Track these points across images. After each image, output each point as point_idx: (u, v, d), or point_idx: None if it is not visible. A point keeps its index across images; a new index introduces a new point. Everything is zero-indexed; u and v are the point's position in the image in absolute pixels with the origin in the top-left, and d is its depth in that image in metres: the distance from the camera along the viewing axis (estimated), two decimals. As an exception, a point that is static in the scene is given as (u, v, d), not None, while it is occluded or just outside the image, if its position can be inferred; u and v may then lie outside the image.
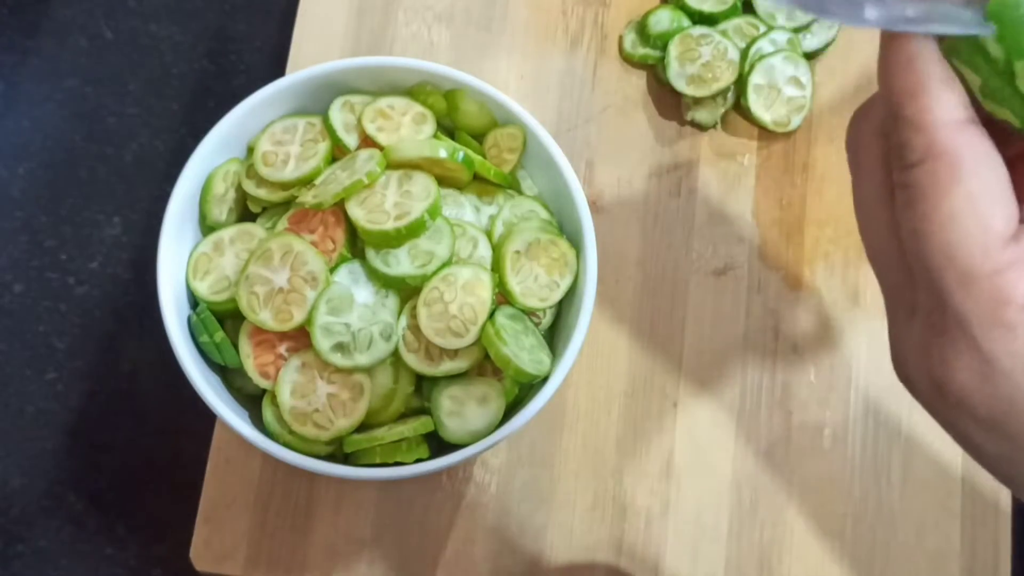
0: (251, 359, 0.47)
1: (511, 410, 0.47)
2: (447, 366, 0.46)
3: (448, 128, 0.52)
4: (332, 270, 0.46)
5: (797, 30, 0.60)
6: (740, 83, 0.59)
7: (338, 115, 0.50)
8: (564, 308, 0.50)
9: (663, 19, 0.60)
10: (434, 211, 0.46)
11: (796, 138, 0.60)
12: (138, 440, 0.58)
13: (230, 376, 0.49)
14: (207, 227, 0.50)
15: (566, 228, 0.50)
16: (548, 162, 0.50)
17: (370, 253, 0.47)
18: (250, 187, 0.49)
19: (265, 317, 0.45)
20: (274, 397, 0.46)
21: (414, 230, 0.46)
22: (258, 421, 0.47)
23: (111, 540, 0.56)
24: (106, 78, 0.64)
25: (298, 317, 0.45)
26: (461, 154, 0.48)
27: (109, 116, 0.63)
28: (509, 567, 0.52)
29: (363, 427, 0.46)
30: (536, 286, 0.48)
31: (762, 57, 0.58)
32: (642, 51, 0.60)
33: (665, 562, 0.53)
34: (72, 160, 0.62)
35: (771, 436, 0.55)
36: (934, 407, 0.31)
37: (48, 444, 0.58)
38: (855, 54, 0.62)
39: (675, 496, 0.54)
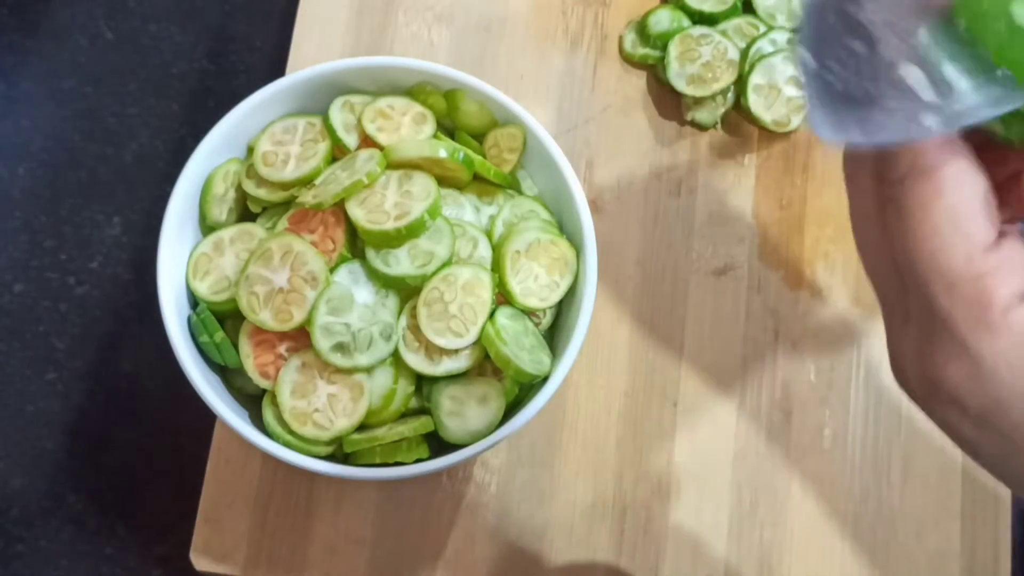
0: (251, 359, 0.47)
1: (511, 410, 0.47)
2: (447, 366, 0.46)
3: (448, 128, 0.52)
4: (332, 270, 0.46)
5: (797, 30, 0.60)
6: (740, 83, 0.59)
7: (338, 115, 0.50)
8: (564, 308, 0.50)
9: (663, 19, 0.60)
10: (434, 211, 0.46)
11: (796, 138, 0.60)
12: (138, 440, 0.58)
13: (230, 376, 0.49)
14: (207, 227, 0.50)
15: (566, 228, 0.50)
16: (548, 162, 0.50)
17: (370, 253, 0.47)
18: (250, 187, 0.49)
19: (265, 317, 0.45)
20: (274, 397, 0.46)
21: (414, 230, 0.46)
22: (258, 421, 0.47)
23: (111, 540, 0.56)
24: (106, 78, 0.64)
25: (298, 317, 0.45)
26: (461, 154, 0.48)
27: (109, 116, 0.63)
28: (509, 567, 0.52)
29: (363, 427, 0.46)
30: (536, 286, 0.48)
31: (762, 57, 0.58)
32: (642, 51, 0.60)
33: (665, 562, 0.53)
34: (72, 160, 0.62)
35: (771, 436, 0.55)
36: (931, 408, 0.32)
37: (48, 444, 0.58)
38: (855, 54, 0.62)
39: (675, 496, 0.54)
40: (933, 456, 0.55)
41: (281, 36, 0.62)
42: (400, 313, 0.47)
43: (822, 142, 0.37)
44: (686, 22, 0.60)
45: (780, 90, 0.58)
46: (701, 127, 0.60)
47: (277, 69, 0.60)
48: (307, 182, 0.48)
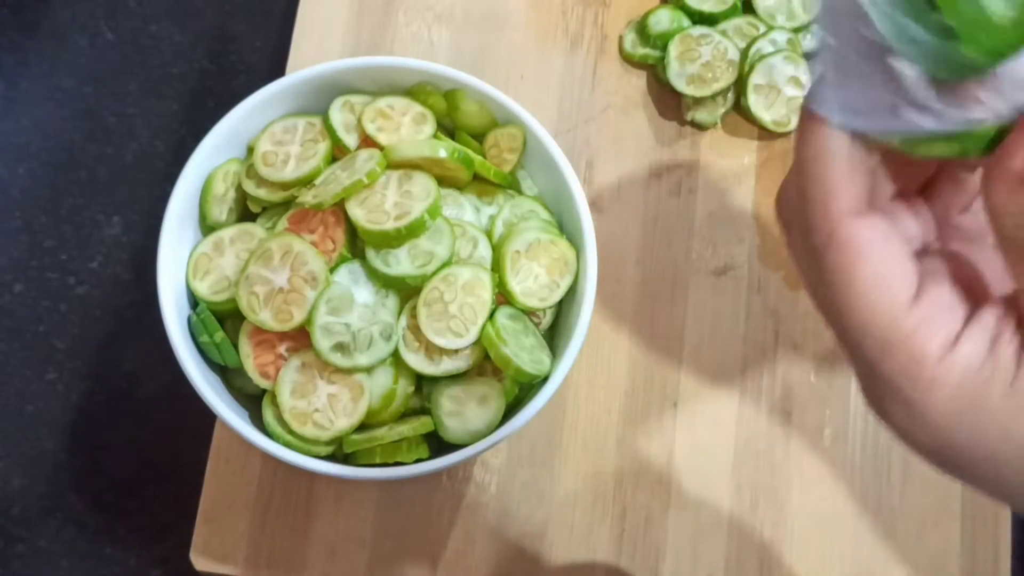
0: (251, 359, 0.47)
1: (511, 410, 0.47)
2: (447, 366, 0.46)
3: (448, 128, 0.52)
4: (332, 270, 0.46)
5: (797, 30, 0.60)
6: (740, 83, 0.59)
7: (338, 115, 0.50)
8: (564, 308, 0.50)
9: (663, 19, 0.60)
10: (434, 211, 0.46)
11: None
12: (138, 440, 0.58)
13: (230, 376, 0.49)
14: (207, 227, 0.50)
15: (566, 228, 0.50)
16: (548, 162, 0.50)
17: (370, 253, 0.47)
18: (250, 187, 0.49)
19: (265, 317, 0.45)
20: (274, 397, 0.46)
21: (414, 230, 0.46)
22: (258, 421, 0.47)
23: (111, 540, 0.56)
24: (106, 78, 0.64)
25: (298, 317, 0.45)
26: (461, 154, 0.48)
27: (109, 116, 0.63)
28: (509, 567, 0.52)
29: (363, 427, 0.46)
30: (536, 286, 0.48)
31: (762, 57, 0.58)
32: (642, 51, 0.60)
33: (665, 562, 0.53)
34: (72, 160, 0.62)
35: (771, 436, 0.55)
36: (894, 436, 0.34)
37: (48, 444, 0.58)
38: (855, 54, 0.62)
39: (675, 496, 0.54)
40: (933, 456, 0.55)
41: (281, 36, 0.62)
42: (400, 313, 0.47)
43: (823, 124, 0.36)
44: (686, 22, 0.60)
45: (780, 90, 0.58)
46: (701, 127, 0.60)
47: (277, 69, 0.60)
48: (307, 182, 0.48)
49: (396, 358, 0.46)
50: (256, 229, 0.48)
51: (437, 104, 0.51)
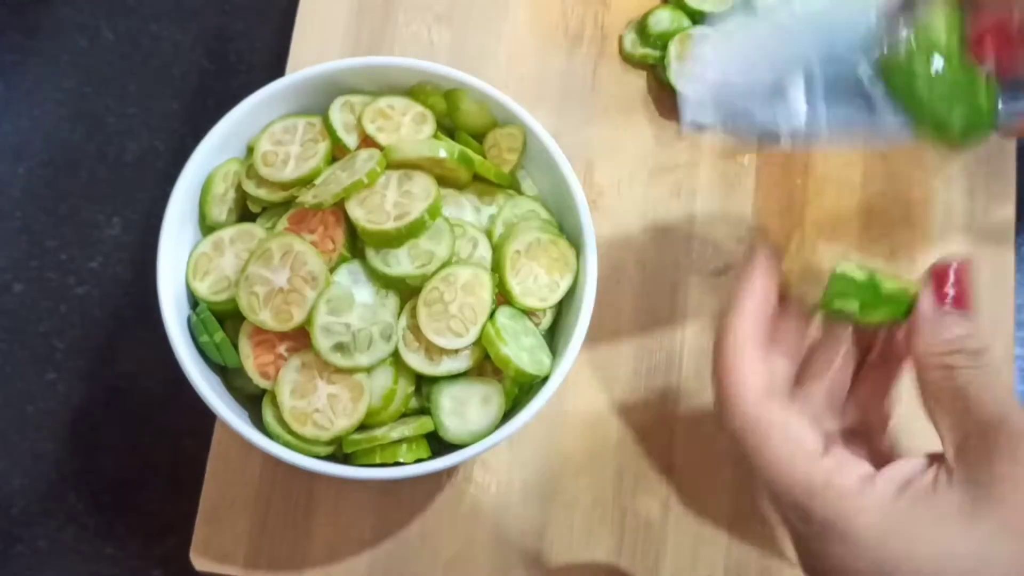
0: (251, 359, 0.47)
1: (511, 410, 0.47)
2: (447, 366, 0.46)
3: (448, 128, 0.52)
4: (332, 270, 0.46)
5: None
6: (740, 83, 0.59)
7: (338, 115, 0.50)
8: (564, 308, 0.50)
9: (663, 19, 0.60)
10: (434, 211, 0.46)
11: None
12: (138, 440, 0.58)
13: (230, 376, 0.49)
14: (207, 227, 0.50)
15: (566, 228, 0.50)
16: (548, 162, 0.50)
17: (370, 253, 0.47)
18: (250, 187, 0.49)
19: (265, 317, 0.45)
20: (274, 397, 0.46)
21: (414, 230, 0.46)
22: (258, 421, 0.47)
23: (111, 540, 0.56)
24: (106, 78, 0.64)
25: (298, 317, 0.45)
26: (461, 154, 0.48)
27: (109, 116, 0.63)
28: (509, 567, 0.52)
29: (363, 427, 0.46)
30: (536, 286, 0.48)
31: (762, 57, 0.58)
32: (642, 51, 0.60)
33: (665, 562, 0.53)
34: (72, 160, 0.62)
35: (771, 436, 0.55)
36: None
37: (48, 444, 0.58)
38: (855, 54, 0.62)
39: (675, 496, 0.54)
40: (933, 456, 0.55)
41: (281, 36, 0.61)
42: (400, 313, 0.47)
43: (683, 123, 0.44)
44: (686, 22, 0.60)
45: (780, 90, 0.58)
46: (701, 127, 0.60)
47: (277, 69, 0.60)
48: (307, 182, 0.48)
49: (396, 358, 0.46)
50: (256, 229, 0.48)
51: (437, 104, 0.51)
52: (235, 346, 0.47)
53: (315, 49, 0.60)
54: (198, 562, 0.52)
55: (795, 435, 0.38)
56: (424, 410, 0.47)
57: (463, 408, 0.47)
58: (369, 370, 0.46)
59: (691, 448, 0.54)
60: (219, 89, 0.64)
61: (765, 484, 0.39)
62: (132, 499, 0.57)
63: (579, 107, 0.60)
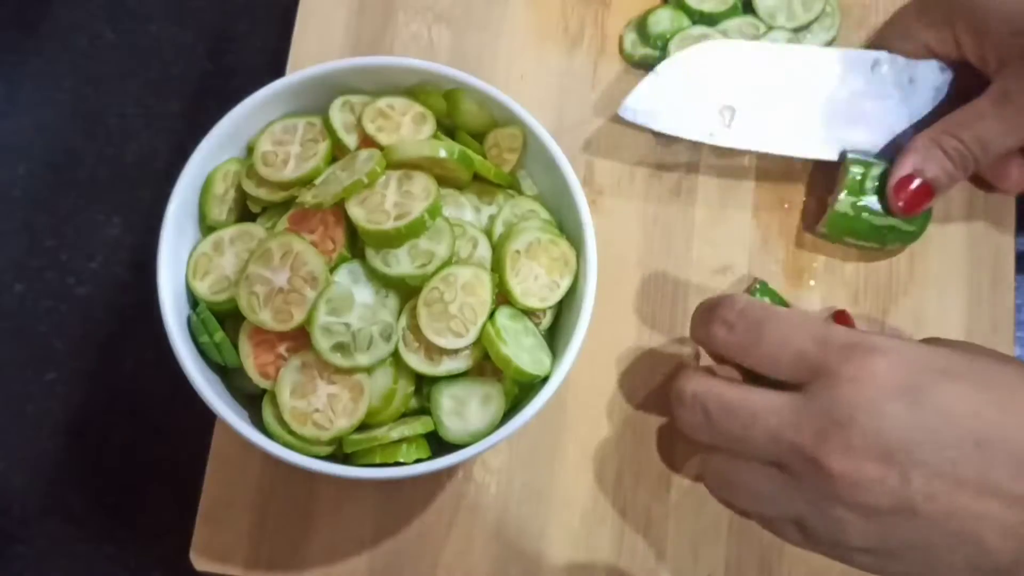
0: (251, 359, 0.47)
1: (511, 410, 0.47)
2: (447, 366, 0.46)
3: (448, 128, 0.52)
4: (332, 270, 0.46)
5: (797, 30, 0.60)
6: (740, 83, 0.59)
7: (338, 115, 0.49)
8: (564, 308, 0.50)
9: (663, 19, 0.60)
10: (434, 211, 0.46)
11: (796, 138, 0.60)
12: (138, 440, 0.58)
13: (230, 376, 0.49)
14: (207, 227, 0.50)
15: (566, 228, 0.50)
16: (548, 162, 0.50)
17: (370, 253, 0.47)
18: (250, 187, 0.49)
19: (265, 317, 0.45)
20: (274, 397, 0.46)
21: (414, 230, 0.46)
22: (258, 421, 0.47)
23: (111, 540, 0.56)
24: (106, 78, 0.64)
25: (298, 317, 0.45)
26: (461, 154, 0.48)
27: (109, 116, 0.63)
28: (509, 567, 0.52)
29: (363, 427, 0.46)
30: (536, 286, 0.48)
31: (762, 57, 0.58)
32: (642, 51, 0.60)
33: (665, 562, 0.53)
34: (72, 160, 0.62)
35: (771, 436, 0.55)
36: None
37: (48, 444, 0.58)
38: (855, 54, 0.62)
39: (675, 496, 0.54)
40: (933, 456, 0.54)
41: (281, 36, 0.61)
42: (400, 313, 0.47)
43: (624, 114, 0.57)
44: (686, 22, 0.60)
45: (780, 90, 0.58)
46: (701, 127, 0.60)
47: (277, 69, 0.60)
48: (307, 182, 0.48)
49: (396, 358, 0.46)
50: (256, 229, 0.48)
51: (437, 104, 0.51)
52: (235, 346, 0.47)
53: (315, 49, 0.60)
54: (198, 562, 0.52)
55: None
56: (424, 410, 0.47)
57: (463, 408, 0.47)
58: (369, 370, 0.46)
59: (691, 448, 0.54)
60: (219, 89, 0.64)
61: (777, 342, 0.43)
62: (132, 499, 0.57)
63: (579, 107, 0.60)
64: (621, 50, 0.61)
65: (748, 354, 0.44)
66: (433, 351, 0.46)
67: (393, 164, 0.47)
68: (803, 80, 0.56)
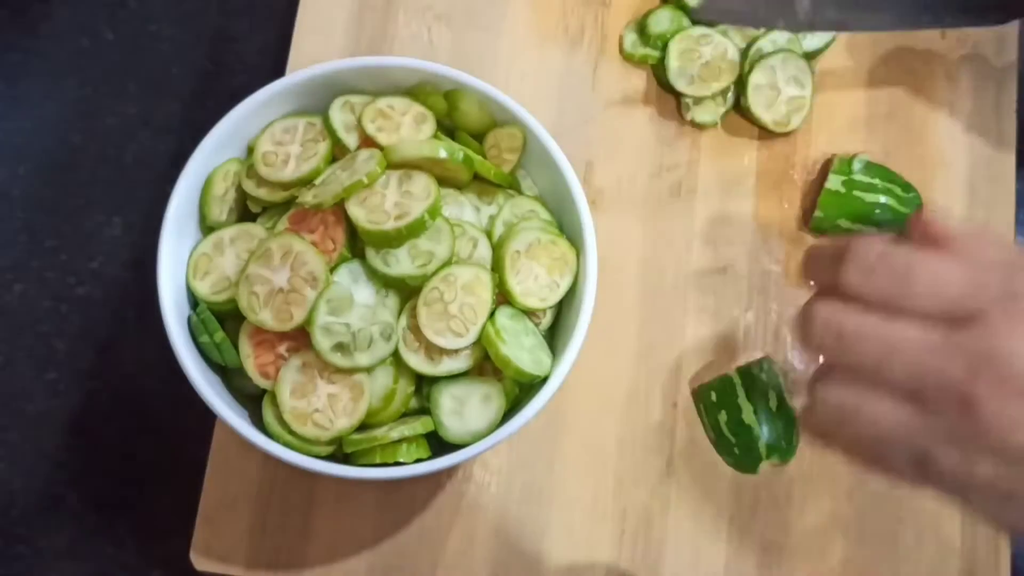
0: (251, 359, 0.47)
1: (511, 410, 0.47)
2: (447, 366, 0.46)
3: (448, 128, 0.52)
4: (332, 270, 0.46)
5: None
6: (740, 83, 0.59)
7: (338, 115, 0.50)
8: (564, 308, 0.50)
9: (663, 19, 0.60)
10: (434, 211, 0.46)
11: (796, 138, 0.60)
12: (138, 440, 0.58)
13: (230, 376, 0.49)
14: (207, 227, 0.50)
15: (566, 228, 0.50)
16: (548, 162, 0.50)
17: (370, 253, 0.47)
18: (250, 187, 0.49)
19: (265, 317, 0.45)
20: (274, 397, 0.46)
21: (414, 230, 0.46)
22: (258, 421, 0.47)
23: (111, 540, 0.56)
24: (106, 78, 0.64)
25: (298, 317, 0.45)
26: (461, 154, 0.48)
27: (109, 116, 0.63)
28: (509, 567, 0.52)
29: (363, 427, 0.46)
30: (536, 286, 0.48)
31: (762, 57, 0.58)
32: (642, 51, 0.60)
33: (665, 562, 0.53)
34: (72, 160, 0.62)
35: (771, 436, 0.55)
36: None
37: (48, 444, 0.58)
38: (855, 54, 0.62)
39: (675, 496, 0.54)
40: (933, 456, 0.54)
41: (281, 36, 0.61)
42: (400, 313, 0.47)
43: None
44: (686, 22, 0.60)
45: (780, 90, 0.58)
46: (701, 127, 0.60)
47: (277, 69, 0.60)
48: (307, 182, 0.48)
49: (396, 358, 0.46)
50: (256, 229, 0.48)
51: (437, 104, 0.51)
52: (235, 346, 0.47)
53: (315, 49, 0.60)
54: (198, 562, 0.52)
55: None
56: (424, 410, 0.47)
57: (463, 408, 0.47)
58: (369, 370, 0.46)
59: (691, 447, 0.54)
60: (219, 89, 0.64)
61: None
62: (132, 499, 0.57)
63: (579, 107, 0.60)
64: (621, 50, 0.61)
65: (894, 299, 0.42)
66: (433, 351, 0.46)
67: (393, 164, 0.47)
68: None
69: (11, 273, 0.60)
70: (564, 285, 0.49)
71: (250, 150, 0.50)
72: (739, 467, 0.53)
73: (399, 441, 0.46)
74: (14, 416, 0.58)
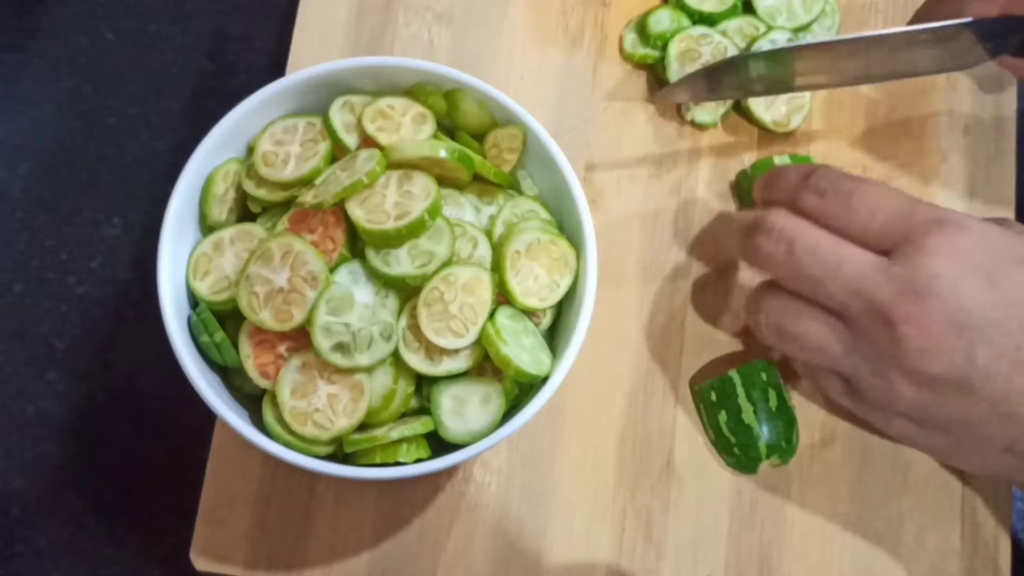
0: (251, 359, 0.47)
1: (511, 410, 0.47)
2: (447, 366, 0.46)
3: (448, 128, 0.52)
4: (332, 270, 0.46)
5: (797, 30, 0.60)
6: (740, 83, 0.59)
7: (338, 115, 0.50)
8: (564, 308, 0.50)
9: (663, 19, 0.60)
10: (434, 211, 0.46)
11: (796, 138, 0.60)
12: (138, 440, 0.58)
13: (230, 376, 0.49)
14: (207, 227, 0.50)
15: (566, 228, 0.50)
16: (548, 162, 0.50)
17: (370, 253, 0.47)
18: (250, 187, 0.49)
19: (265, 317, 0.45)
20: (274, 397, 0.46)
21: (414, 230, 0.46)
22: (258, 421, 0.47)
23: (111, 540, 0.56)
24: (106, 78, 0.64)
25: (298, 317, 0.45)
26: (461, 154, 0.48)
27: (109, 116, 0.63)
28: (509, 567, 0.52)
29: (363, 427, 0.46)
30: (536, 286, 0.48)
31: (762, 57, 0.58)
32: (642, 51, 0.60)
33: (665, 562, 0.53)
34: (72, 160, 0.62)
35: (771, 436, 0.55)
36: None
37: (48, 444, 0.58)
38: (855, 54, 0.62)
39: (675, 496, 0.54)
40: (933, 456, 0.55)
41: (281, 36, 0.62)
42: (400, 313, 0.47)
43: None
44: (686, 22, 0.60)
45: (780, 90, 0.58)
46: (701, 127, 0.60)
47: (277, 69, 0.60)
48: (307, 182, 0.48)
49: (396, 358, 0.46)
50: (256, 229, 0.48)
51: (437, 104, 0.51)
52: (235, 346, 0.47)
53: (315, 49, 0.60)
54: (198, 562, 0.52)
55: None
56: (424, 410, 0.47)
57: (463, 408, 0.47)
58: (369, 370, 0.46)
59: (691, 447, 0.54)
60: (219, 89, 0.64)
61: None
62: (132, 499, 0.57)
63: (579, 107, 0.60)
64: (621, 50, 0.61)
65: (837, 219, 0.45)
66: (433, 351, 0.46)
67: (393, 164, 0.47)
68: None
69: (11, 273, 0.60)
70: (564, 285, 0.49)
71: (250, 150, 0.50)
72: (739, 467, 0.53)
73: (399, 441, 0.46)
74: (14, 416, 0.58)
